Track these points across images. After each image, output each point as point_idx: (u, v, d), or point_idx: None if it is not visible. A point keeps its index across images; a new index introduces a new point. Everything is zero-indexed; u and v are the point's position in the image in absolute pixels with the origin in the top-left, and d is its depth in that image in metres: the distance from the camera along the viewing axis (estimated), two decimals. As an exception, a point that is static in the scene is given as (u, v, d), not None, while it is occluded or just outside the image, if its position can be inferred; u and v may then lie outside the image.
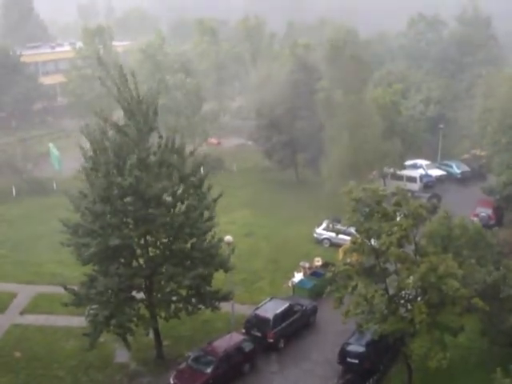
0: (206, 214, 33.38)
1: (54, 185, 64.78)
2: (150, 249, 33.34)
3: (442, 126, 74.58)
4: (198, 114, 75.38)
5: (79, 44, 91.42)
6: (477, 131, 69.72)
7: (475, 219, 51.51)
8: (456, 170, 73.41)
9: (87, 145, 32.01)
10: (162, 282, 33.15)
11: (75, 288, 33.00)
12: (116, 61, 68.76)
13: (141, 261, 33.36)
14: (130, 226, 31.96)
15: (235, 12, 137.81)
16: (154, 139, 32.32)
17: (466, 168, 73.53)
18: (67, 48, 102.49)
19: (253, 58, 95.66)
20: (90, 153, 31.66)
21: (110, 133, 31.65)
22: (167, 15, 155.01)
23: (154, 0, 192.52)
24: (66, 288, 32.99)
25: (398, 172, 65.46)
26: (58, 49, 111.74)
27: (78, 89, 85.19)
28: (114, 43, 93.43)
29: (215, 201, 33.71)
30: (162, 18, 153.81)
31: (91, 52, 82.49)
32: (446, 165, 74.46)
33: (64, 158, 67.58)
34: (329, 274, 34.26)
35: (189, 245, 33.12)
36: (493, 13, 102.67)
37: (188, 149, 33.66)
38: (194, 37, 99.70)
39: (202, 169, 34.52)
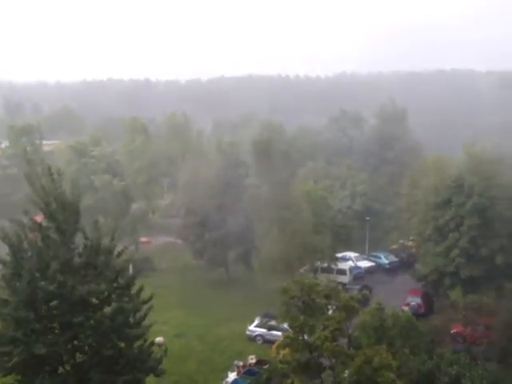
0: (137, 316, 32.25)
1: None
2: (77, 354, 31.82)
3: (368, 218, 76.30)
4: (126, 214, 74.76)
5: (5, 143, 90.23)
6: (404, 222, 71.62)
7: (406, 308, 52.12)
8: (384, 260, 74.70)
9: (5, 249, 30.79)
10: (91, 390, 31.49)
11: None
12: (43, 160, 68.10)
13: (67, 367, 31.74)
14: (56, 331, 30.55)
15: (162, 110, 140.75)
16: (80, 240, 31.52)
17: (394, 258, 74.98)
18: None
19: (181, 156, 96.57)
20: (9, 257, 30.46)
21: (32, 235, 30.70)
22: (93, 115, 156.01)
23: (80, 99, 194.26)
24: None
25: (329, 265, 65.89)
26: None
27: (2, 189, 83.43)
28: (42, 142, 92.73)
29: (145, 303, 32.61)
30: (88, 117, 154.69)
31: (18, 151, 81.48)
32: (375, 256, 75.73)
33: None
34: (264, 373, 33.57)
35: (116, 349, 31.76)
36: (408, 107, 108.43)
37: (118, 249, 32.87)
38: (124, 135, 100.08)
39: (130, 269, 33.67)
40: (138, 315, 32.34)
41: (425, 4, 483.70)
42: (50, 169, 31.08)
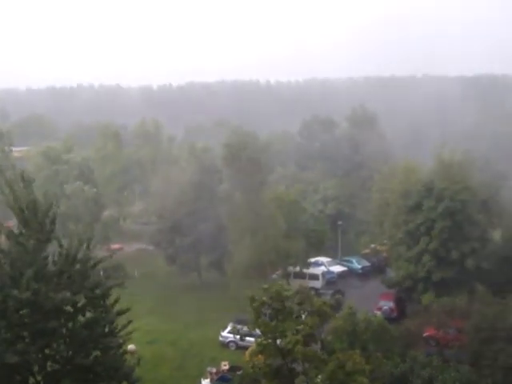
0: (113, 326, 31.87)
1: None
2: (48, 363, 31.30)
3: (340, 222, 76.61)
4: (98, 220, 74.17)
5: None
6: (375, 226, 72.09)
7: (378, 313, 52.41)
8: (356, 265, 75.14)
9: None
10: (63, 400, 30.97)
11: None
12: (13, 166, 67.30)
13: (38, 377, 31.21)
14: (26, 340, 30.02)
15: (133, 117, 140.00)
16: (54, 248, 31.06)
17: (366, 263, 75.49)
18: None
19: (152, 162, 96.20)
20: None
21: (4, 243, 30.21)
22: (64, 121, 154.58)
23: (50, 106, 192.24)
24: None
25: (301, 270, 65.99)
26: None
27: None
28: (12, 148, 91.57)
29: (121, 314, 32.20)
30: (58, 123, 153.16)
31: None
32: (347, 261, 76.10)
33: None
34: (237, 379, 33.49)
35: (91, 358, 31.32)
36: (380, 112, 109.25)
37: (94, 257, 32.33)
38: (95, 142, 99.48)
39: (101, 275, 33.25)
40: (114, 325, 31.94)
41: (397, 9, 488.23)
42: (23, 175, 30.62)
